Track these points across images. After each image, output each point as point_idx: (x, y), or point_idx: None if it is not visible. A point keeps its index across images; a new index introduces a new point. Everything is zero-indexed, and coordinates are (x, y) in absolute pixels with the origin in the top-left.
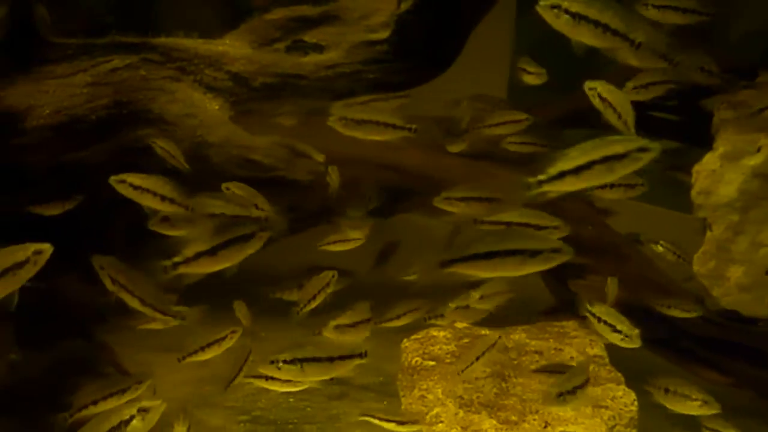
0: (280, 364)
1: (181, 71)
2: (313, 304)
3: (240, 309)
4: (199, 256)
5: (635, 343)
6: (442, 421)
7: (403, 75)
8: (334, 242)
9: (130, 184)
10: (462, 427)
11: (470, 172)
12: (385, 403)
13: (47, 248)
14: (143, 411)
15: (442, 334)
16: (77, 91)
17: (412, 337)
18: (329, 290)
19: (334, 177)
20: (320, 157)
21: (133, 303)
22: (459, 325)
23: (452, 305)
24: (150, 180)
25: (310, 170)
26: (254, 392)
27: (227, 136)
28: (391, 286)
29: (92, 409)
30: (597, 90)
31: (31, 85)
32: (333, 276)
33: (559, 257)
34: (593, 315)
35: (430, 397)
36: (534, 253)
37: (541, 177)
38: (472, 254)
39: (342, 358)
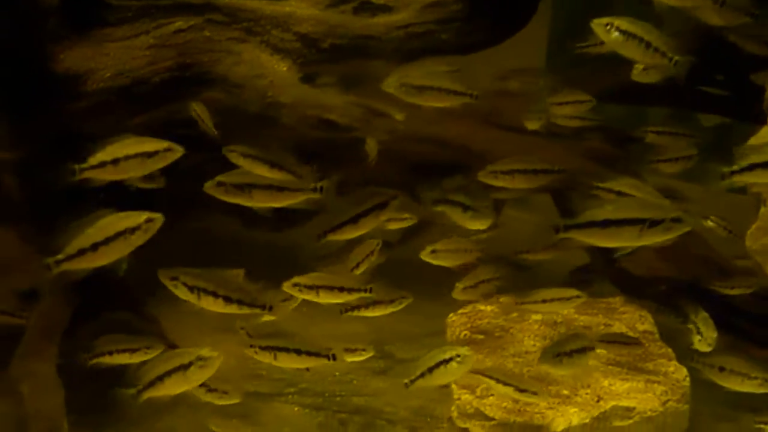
0: (256, 349)
1: (247, 32)
2: (357, 272)
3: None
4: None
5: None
6: (492, 395)
7: (478, 35)
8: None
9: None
10: (513, 401)
11: (515, 145)
12: None
13: (159, 218)
14: (202, 359)
15: (489, 308)
16: (139, 53)
17: (459, 311)
18: (373, 258)
19: (372, 145)
20: (400, 116)
21: (218, 305)
22: (505, 298)
23: (460, 285)
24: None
25: (389, 130)
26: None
27: (300, 97)
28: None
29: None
30: (614, 24)
31: (91, 48)
32: (377, 244)
33: (679, 227)
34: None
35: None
36: (653, 223)
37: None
38: (588, 221)
39: (310, 353)
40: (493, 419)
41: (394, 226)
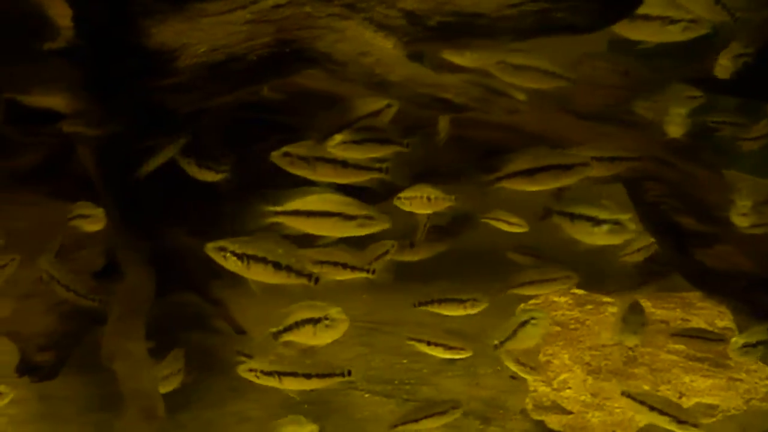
0: (258, 373)
1: (350, 8)
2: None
3: None
4: None
5: None
6: (570, 387)
7: (593, 15)
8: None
9: None
10: (592, 394)
11: (589, 133)
12: (498, 368)
13: None
14: (328, 319)
15: (563, 299)
16: (235, 29)
17: (531, 302)
18: (387, 258)
19: (443, 125)
20: (521, 96)
21: (267, 274)
22: (578, 291)
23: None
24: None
25: (509, 109)
26: (366, 353)
27: (411, 75)
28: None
29: None
30: None
31: (184, 22)
32: (392, 246)
33: None
34: None
35: (556, 362)
36: None
37: None
38: None
39: (321, 375)
40: (570, 413)
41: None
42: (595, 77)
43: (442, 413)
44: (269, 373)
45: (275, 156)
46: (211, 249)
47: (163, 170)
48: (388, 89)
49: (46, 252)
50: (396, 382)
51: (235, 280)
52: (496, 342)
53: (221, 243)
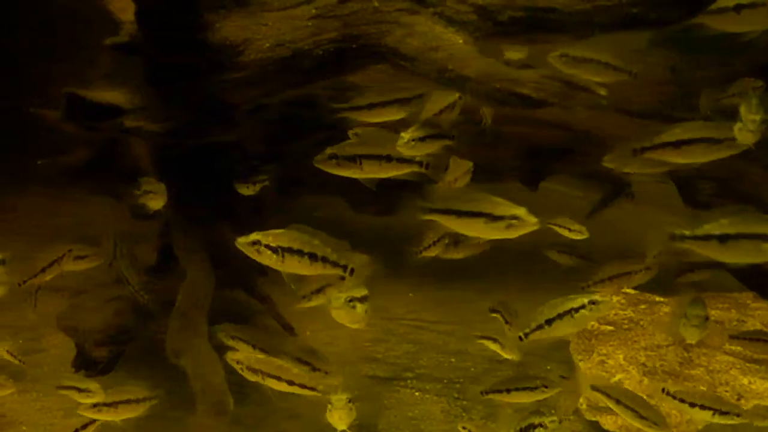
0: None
1: (419, 3)
2: (430, 252)
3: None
4: None
5: None
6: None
7: (670, 10)
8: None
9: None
10: (648, 395)
11: (637, 131)
12: (548, 367)
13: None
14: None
15: (615, 299)
16: (301, 24)
17: None
18: (445, 241)
19: (487, 113)
20: (603, 91)
21: (303, 266)
22: (629, 290)
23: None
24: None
25: (590, 105)
26: (413, 351)
27: (486, 70)
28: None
29: None
30: None
31: (248, 18)
32: (445, 236)
33: None
34: None
35: (611, 362)
36: None
37: None
38: (705, 235)
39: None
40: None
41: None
42: (643, 73)
43: (533, 389)
44: None
45: (319, 160)
46: (243, 244)
47: (211, 168)
48: (463, 84)
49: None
50: (445, 380)
51: (281, 277)
52: (520, 334)
53: (254, 237)
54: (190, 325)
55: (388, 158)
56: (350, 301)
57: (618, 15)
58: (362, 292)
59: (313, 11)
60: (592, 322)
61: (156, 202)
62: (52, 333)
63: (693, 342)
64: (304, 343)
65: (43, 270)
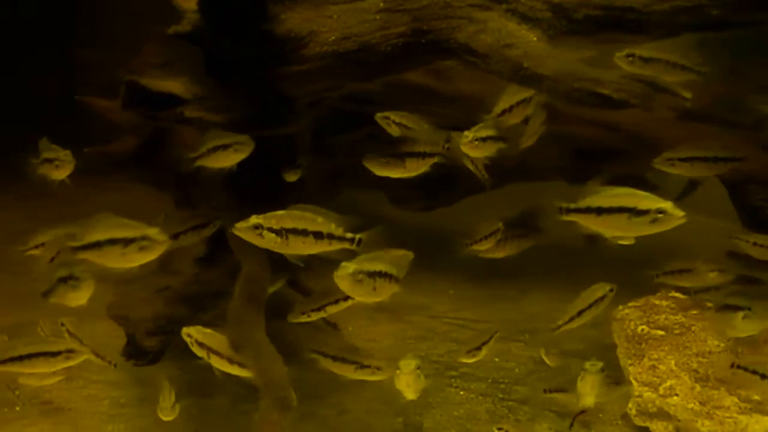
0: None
1: None
2: (482, 246)
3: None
4: None
5: None
6: (677, 394)
7: (751, 12)
8: None
9: (393, 122)
10: (700, 402)
11: (688, 133)
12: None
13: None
14: None
15: (664, 303)
16: (368, 17)
17: (630, 303)
18: (498, 237)
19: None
20: (687, 94)
21: (308, 245)
22: (679, 294)
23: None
24: (409, 118)
25: (673, 108)
26: (456, 349)
27: (564, 69)
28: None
29: None
30: None
31: (314, 9)
32: (501, 226)
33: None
34: None
35: (662, 368)
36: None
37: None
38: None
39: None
40: (678, 420)
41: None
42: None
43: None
44: None
45: (370, 162)
46: (242, 229)
47: (261, 159)
48: (539, 83)
49: None
50: (489, 380)
51: (323, 271)
52: (552, 327)
53: (254, 220)
54: (248, 318)
55: (423, 155)
56: (358, 273)
57: (697, 16)
58: (375, 266)
59: (381, 4)
60: (642, 327)
61: (60, 172)
62: (97, 321)
63: (742, 336)
64: (346, 341)
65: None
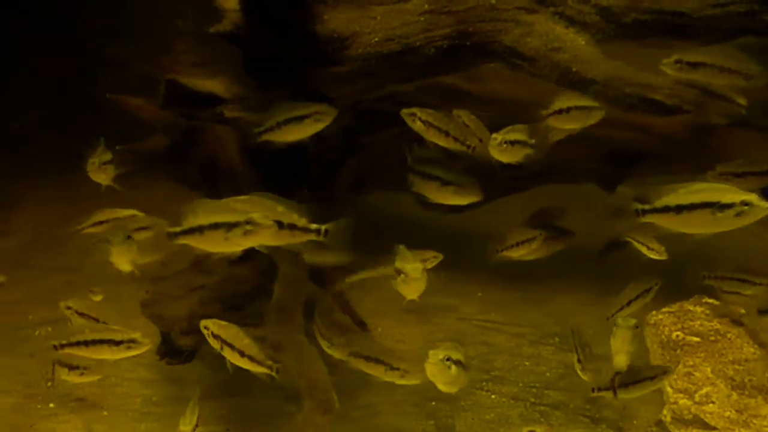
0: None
1: (539, 2)
2: (513, 252)
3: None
4: None
5: None
6: (713, 402)
7: None
8: None
9: (419, 119)
10: (736, 410)
11: (725, 140)
12: None
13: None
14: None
15: (698, 309)
16: (412, 18)
17: (663, 309)
18: (534, 246)
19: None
20: (742, 100)
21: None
22: (714, 300)
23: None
24: (437, 116)
25: (727, 114)
26: (486, 352)
27: (614, 74)
28: None
29: None
30: None
31: (357, 10)
32: (540, 234)
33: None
34: None
35: (698, 375)
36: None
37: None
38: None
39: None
40: (714, 428)
41: None
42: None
43: (652, 378)
44: None
45: (415, 162)
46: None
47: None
48: (588, 88)
49: None
50: (521, 384)
51: (351, 271)
52: (608, 315)
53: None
54: (289, 319)
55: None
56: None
57: (750, 22)
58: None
59: (426, 6)
60: (677, 333)
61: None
62: (132, 319)
63: None
64: (378, 343)
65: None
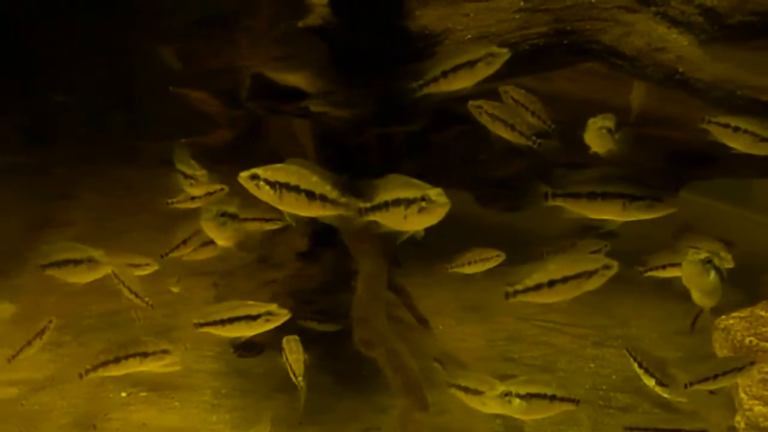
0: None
1: (640, 2)
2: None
3: None
4: None
5: None
6: None
7: None
8: None
9: (486, 111)
10: None
11: None
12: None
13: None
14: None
15: None
16: (507, 16)
17: (733, 314)
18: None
19: (637, 95)
20: None
21: (300, 203)
22: None
23: None
24: (502, 109)
25: None
26: (549, 353)
27: (723, 75)
28: None
29: None
30: None
31: (449, 6)
32: (605, 246)
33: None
34: None
35: None
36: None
37: None
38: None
39: None
40: None
41: None
42: None
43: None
44: None
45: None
46: (244, 178)
47: (363, 155)
48: (693, 88)
49: None
50: (587, 386)
51: (414, 269)
52: None
53: (254, 170)
54: (374, 316)
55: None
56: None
57: None
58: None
59: (522, 4)
60: (750, 338)
61: (194, 190)
62: (189, 310)
63: None
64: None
65: (184, 242)
